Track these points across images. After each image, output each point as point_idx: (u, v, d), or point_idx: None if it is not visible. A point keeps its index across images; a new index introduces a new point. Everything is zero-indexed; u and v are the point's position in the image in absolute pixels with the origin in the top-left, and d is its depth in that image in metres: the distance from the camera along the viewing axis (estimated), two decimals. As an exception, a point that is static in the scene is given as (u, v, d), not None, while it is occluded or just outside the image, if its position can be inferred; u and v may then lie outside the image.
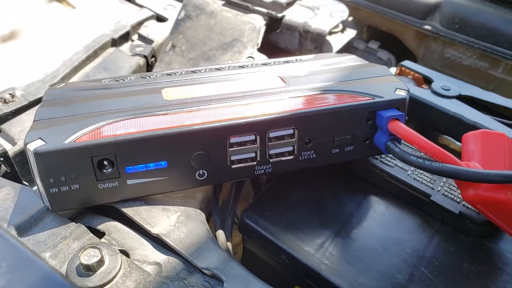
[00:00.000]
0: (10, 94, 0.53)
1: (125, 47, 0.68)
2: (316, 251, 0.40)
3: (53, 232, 0.36)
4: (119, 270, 0.33)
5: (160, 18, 0.76)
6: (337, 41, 0.72)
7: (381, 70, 0.46)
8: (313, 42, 0.66)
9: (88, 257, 0.32)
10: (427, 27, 0.71)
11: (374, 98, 0.40)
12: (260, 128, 0.37)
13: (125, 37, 0.69)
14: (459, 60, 0.71)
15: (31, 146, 0.33)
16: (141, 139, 0.35)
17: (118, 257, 0.34)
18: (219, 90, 0.42)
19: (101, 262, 0.33)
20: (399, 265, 0.39)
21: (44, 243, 0.35)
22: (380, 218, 0.44)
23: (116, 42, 0.67)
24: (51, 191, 0.35)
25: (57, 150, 0.33)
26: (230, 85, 0.43)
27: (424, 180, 0.45)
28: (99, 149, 0.34)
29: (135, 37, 0.71)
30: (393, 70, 0.67)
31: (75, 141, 0.34)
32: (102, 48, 0.65)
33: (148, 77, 0.46)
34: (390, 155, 0.46)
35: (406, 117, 0.42)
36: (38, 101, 0.53)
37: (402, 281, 0.38)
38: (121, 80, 0.46)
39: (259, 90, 0.42)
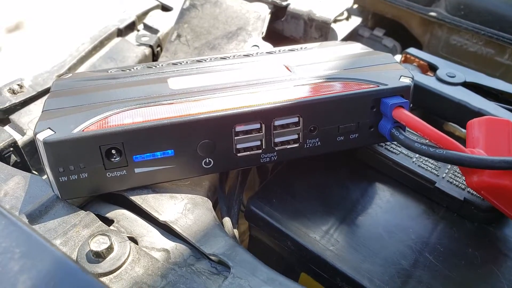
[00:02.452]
0: (18, 85, 0.53)
1: (131, 37, 0.68)
2: (321, 237, 0.41)
3: (63, 220, 0.37)
4: (128, 256, 0.34)
5: (165, 8, 0.76)
6: (342, 29, 0.72)
7: (386, 58, 0.46)
8: (318, 30, 0.66)
9: (98, 244, 0.33)
10: (432, 13, 0.71)
11: (378, 86, 0.40)
12: (265, 117, 0.38)
13: (131, 27, 0.69)
14: (465, 47, 0.70)
15: (41, 136, 0.34)
16: (148, 128, 0.35)
17: (126, 244, 0.34)
18: (224, 79, 0.42)
19: (110, 249, 0.33)
20: (404, 251, 0.40)
21: (55, 230, 0.36)
22: (385, 205, 0.44)
23: (122, 32, 0.67)
24: (61, 180, 0.36)
25: (66, 140, 0.34)
26: (235, 74, 0.44)
27: (429, 167, 0.45)
28: (107, 138, 0.35)
29: (140, 26, 0.71)
30: (398, 57, 0.67)
31: (83, 130, 0.34)
32: (108, 38, 0.65)
33: (154, 67, 0.47)
34: (395, 142, 0.46)
35: (411, 105, 0.42)
36: (46, 91, 0.54)
37: (406, 266, 0.38)
38: (128, 70, 0.46)
39: (264, 79, 0.42)
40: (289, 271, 0.45)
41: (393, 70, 0.43)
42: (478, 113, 0.49)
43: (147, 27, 0.71)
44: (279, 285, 0.33)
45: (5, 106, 0.51)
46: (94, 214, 0.38)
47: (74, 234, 0.36)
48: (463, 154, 0.35)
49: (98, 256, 0.33)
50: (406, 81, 0.41)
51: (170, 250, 0.36)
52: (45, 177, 0.38)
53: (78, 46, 0.62)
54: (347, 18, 0.74)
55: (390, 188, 0.46)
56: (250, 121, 0.38)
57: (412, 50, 0.59)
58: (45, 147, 0.34)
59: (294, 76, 0.42)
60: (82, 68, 0.60)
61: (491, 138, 0.38)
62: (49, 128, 0.34)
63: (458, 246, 0.40)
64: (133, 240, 0.37)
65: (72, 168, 0.35)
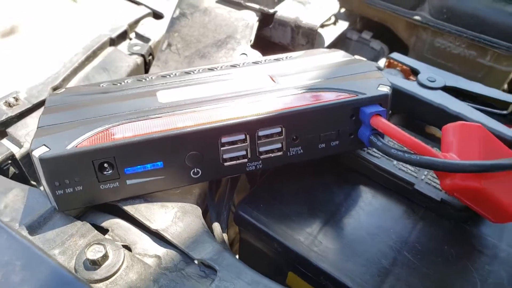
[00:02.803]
0: (14, 97, 0.55)
1: (123, 46, 0.70)
2: (305, 239, 0.43)
3: (61, 230, 0.39)
4: (122, 263, 0.36)
5: (156, 14, 0.77)
6: (330, 33, 0.74)
7: (367, 66, 0.48)
8: (304, 36, 0.68)
9: (94, 253, 0.35)
10: (416, 17, 0.73)
11: (357, 95, 0.42)
12: (250, 128, 0.40)
13: (123, 35, 0.71)
14: (448, 49, 0.72)
15: (36, 153, 0.36)
16: (138, 142, 0.37)
17: (121, 252, 0.37)
18: (211, 91, 0.44)
19: (105, 256, 0.36)
20: (384, 251, 0.42)
21: (53, 240, 0.38)
22: (367, 207, 0.46)
23: (114, 42, 0.69)
24: (57, 193, 0.38)
25: (60, 156, 0.36)
26: (222, 85, 0.46)
27: (409, 170, 0.47)
28: (99, 153, 0.37)
29: (132, 35, 0.73)
30: (384, 60, 0.69)
31: (76, 146, 0.37)
32: (101, 48, 0.67)
33: (144, 80, 0.49)
34: (375, 148, 0.49)
35: (390, 112, 0.44)
36: (41, 103, 0.55)
37: (386, 265, 0.41)
38: (119, 84, 0.48)
39: (249, 90, 0.44)
40: (278, 271, 0.47)
41: (373, 79, 0.45)
42: (457, 117, 0.50)
43: (139, 36, 0.72)
44: (263, 287, 0.35)
45: (2, 119, 0.52)
46: (90, 224, 0.40)
47: (71, 243, 0.38)
48: (436, 159, 0.37)
49: (95, 264, 0.35)
50: (384, 89, 0.43)
51: (162, 256, 0.38)
52: (42, 188, 0.40)
53: (72, 57, 0.63)
54: (334, 23, 0.76)
55: (372, 190, 0.48)
56: (235, 133, 0.40)
57: (395, 55, 0.61)
58: (41, 163, 0.36)
59: (278, 86, 0.44)
60: (75, 79, 0.62)
61: (463, 143, 0.40)
62: (44, 145, 0.36)
63: (435, 244, 0.43)
64: (127, 247, 0.39)
65: (68, 182, 0.37)
